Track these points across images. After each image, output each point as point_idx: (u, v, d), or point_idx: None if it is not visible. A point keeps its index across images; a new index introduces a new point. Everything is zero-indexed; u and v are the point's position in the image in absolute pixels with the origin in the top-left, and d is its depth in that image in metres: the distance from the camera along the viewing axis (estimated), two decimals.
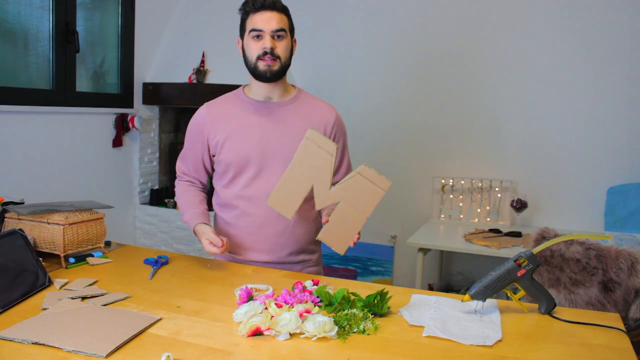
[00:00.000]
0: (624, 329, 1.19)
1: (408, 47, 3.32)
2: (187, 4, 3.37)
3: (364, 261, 3.52)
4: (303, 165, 1.41)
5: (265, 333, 1.10)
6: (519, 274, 1.25)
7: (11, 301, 1.22)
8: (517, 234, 2.81)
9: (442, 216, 3.20)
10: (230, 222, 1.66)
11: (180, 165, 1.74)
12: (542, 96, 3.06)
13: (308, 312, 1.18)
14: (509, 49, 3.10)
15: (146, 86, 3.24)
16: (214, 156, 1.66)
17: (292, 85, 1.70)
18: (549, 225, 2.23)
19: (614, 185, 2.88)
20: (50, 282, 1.37)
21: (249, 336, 1.10)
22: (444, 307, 1.29)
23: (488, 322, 1.20)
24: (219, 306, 1.27)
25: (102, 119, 3.01)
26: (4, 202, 1.69)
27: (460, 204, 3.18)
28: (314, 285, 1.37)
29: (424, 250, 2.64)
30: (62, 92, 2.73)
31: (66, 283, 1.37)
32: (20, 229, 1.42)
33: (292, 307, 1.18)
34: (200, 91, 3.09)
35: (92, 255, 1.60)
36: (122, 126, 3.10)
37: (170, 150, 3.51)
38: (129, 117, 3.11)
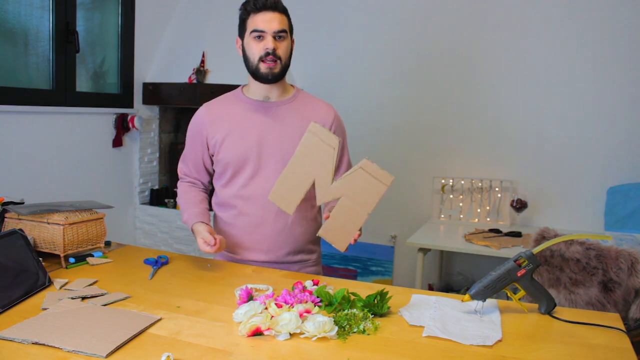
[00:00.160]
0: (624, 329, 1.19)
1: (408, 47, 3.33)
2: (187, 4, 3.37)
3: (364, 261, 3.52)
4: (305, 159, 1.39)
5: (265, 333, 1.10)
6: (519, 274, 1.25)
7: (11, 301, 1.22)
8: (517, 234, 2.81)
9: (442, 216, 3.20)
10: (229, 221, 1.66)
11: (181, 167, 1.74)
12: (542, 96, 3.06)
13: (308, 312, 1.18)
14: (509, 49, 3.10)
15: (146, 86, 3.24)
16: (213, 156, 1.66)
17: (291, 85, 1.70)
18: (549, 225, 2.23)
19: (614, 185, 2.88)
20: (50, 282, 1.37)
21: (249, 336, 1.10)
22: (444, 307, 1.29)
23: (488, 322, 1.20)
24: (219, 306, 1.27)
25: (102, 119, 3.01)
26: (4, 202, 1.69)
27: (460, 204, 3.18)
28: (314, 285, 1.37)
29: (424, 250, 2.64)
30: (62, 92, 2.73)
31: (66, 283, 1.37)
32: (20, 229, 1.42)
33: (292, 307, 1.18)
34: (200, 91, 3.09)
35: (92, 255, 1.60)
36: (122, 126, 3.10)
37: (170, 150, 3.50)
38: (129, 117, 3.11)
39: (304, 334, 1.11)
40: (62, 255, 1.52)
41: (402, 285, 1.67)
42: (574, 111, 3.00)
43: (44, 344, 1.02)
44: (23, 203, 1.74)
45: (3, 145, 2.43)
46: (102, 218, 1.66)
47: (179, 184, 1.75)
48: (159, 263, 1.56)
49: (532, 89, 3.07)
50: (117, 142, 3.09)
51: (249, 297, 1.25)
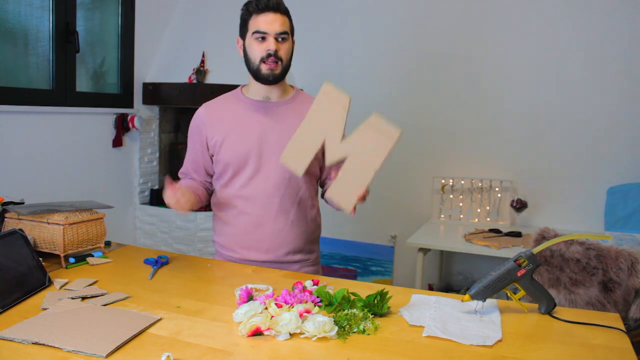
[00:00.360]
0: (624, 329, 1.19)
1: (408, 47, 3.33)
2: (187, 4, 3.37)
3: (364, 261, 3.52)
4: (316, 119, 1.39)
5: (265, 333, 1.10)
6: (519, 274, 1.25)
7: (11, 301, 1.22)
8: (517, 234, 2.81)
9: (442, 216, 3.20)
10: (229, 221, 1.66)
11: (182, 169, 1.74)
12: (542, 96, 3.06)
13: (308, 312, 1.18)
14: (509, 49, 3.10)
15: (146, 86, 3.24)
16: (212, 156, 1.66)
17: (291, 86, 1.70)
18: (549, 225, 2.23)
19: (614, 185, 2.88)
20: (50, 282, 1.37)
21: (249, 336, 1.10)
22: (444, 307, 1.29)
23: (488, 322, 1.20)
24: (219, 306, 1.27)
25: (102, 119, 3.01)
26: (4, 202, 1.69)
27: (460, 204, 3.18)
28: (314, 285, 1.37)
29: (424, 250, 2.64)
30: (62, 92, 2.73)
31: (66, 283, 1.38)
32: (20, 229, 1.42)
33: (292, 307, 1.18)
34: (200, 91, 3.09)
35: (92, 255, 1.60)
36: (122, 126, 3.09)
37: (170, 150, 3.50)
38: (129, 117, 3.11)
39: (304, 334, 1.11)
40: (62, 255, 1.52)
41: (402, 285, 1.67)
42: (573, 111, 3.00)
43: (44, 344, 1.02)
44: (23, 203, 1.74)
45: (3, 145, 2.43)
46: (102, 218, 1.66)
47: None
48: (159, 263, 1.56)
49: (532, 89, 3.07)
50: (117, 142, 3.09)
51: (249, 297, 1.25)
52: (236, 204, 1.63)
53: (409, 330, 1.16)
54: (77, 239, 1.57)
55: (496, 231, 2.87)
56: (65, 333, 1.06)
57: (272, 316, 1.14)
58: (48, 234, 1.53)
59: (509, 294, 1.31)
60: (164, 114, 3.46)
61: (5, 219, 1.60)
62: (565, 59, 2.99)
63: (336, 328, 1.12)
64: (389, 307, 1.24)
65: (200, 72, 3.14)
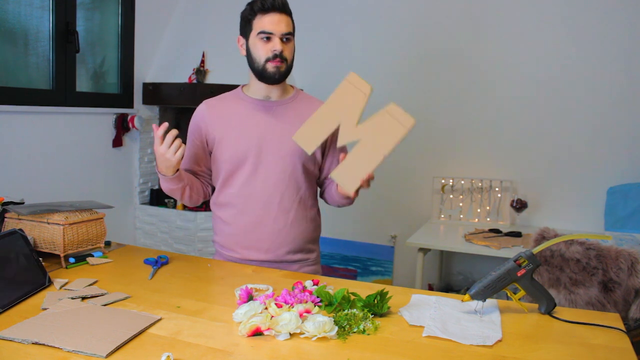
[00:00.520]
0: (624, 329, 1.19)
1: (407, 47, 3.33)
2: (187, 4, 3.37)
3: (364, 261, 3.52)
4: (336, 103, 1.41)
5: (265, 333, 1.10)
6: (519, 274, 1.25)
7: (11, 301, 1.22)
8: (517, 234, 2.81)
9: (442, 216, 3.20)
10: (228, 221, 1.66)
11: (181, 165, 1.73)
12: (542, 96, 3.06)
13: (308, 312, 1.18)
14: (508, 49, 3.10)
15: (146, 86, 3.24)
16: (211, 153, 1.66)
17: (291, 86, 1.71)
18: (549, 225, 2.23)
19: (614, 185, 2.88)
20: (50, 282, 1.37)
21: (249, 336, 1.10)
22: (444, 307, 1.29)
23: (488, 322, 1.20)
24: (219, 306, 1.27)
25: (102, 119, 3.01)
26: (4, 202, 1.69)
27: (460, 204, 3.18)
28: (314, 285, 1.37)
29: (424, 250, 2.64)
30: (62, 92, 2.73)
31: (66, 283, 1.37)
32: (20, 229, 1.42)
33: (292, 307, 1.18)
34: (200, 91, 3.09)
35: (92, 255, 1.60)
36: (122, 126, 3.09)
37: None
38: (129, 117, 3.11)
39: (304, 334, 1.11)
40: (62, 255, 1.52)
41: (402, 285, 1.67)
42: (573, 111, 3.00)
43: (44, 344, 1.02)
44: (23, 203, 1.74)
45: (3, 145, 2.43)
46: (102, 218, 1.66)
47: None
48: (159, 263, 1.56)
49: (532, 89, 3.07)
50: (117, 142, 3.09)
51: (249, 297, 1.25)
52: (236, 203, 1.63)
53: (409, 330, 1.16)
54: (77, 239, 1.57)
55: (496, 231, 2.87)
56: (65, 333, 1.06)
57: (272, 316, 1.14)
58: (48, 234, 1.53)
59: (509, 294, 1.31)
60: (164, 114, 3.46)
61: (5, 219, 1.60)
62: (565, 59, 2.99)
63: (336, 328, 1.12)
64: (389, 307, 1.24)
65: (200, 72, 3.14)
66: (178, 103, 3.20)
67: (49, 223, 1.54)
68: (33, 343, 1.03)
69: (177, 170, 1.55)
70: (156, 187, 3.44)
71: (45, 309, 1.20)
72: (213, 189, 1.75)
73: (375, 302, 1.22)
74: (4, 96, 2.43)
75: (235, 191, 1.63)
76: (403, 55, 3.34)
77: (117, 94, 3.14)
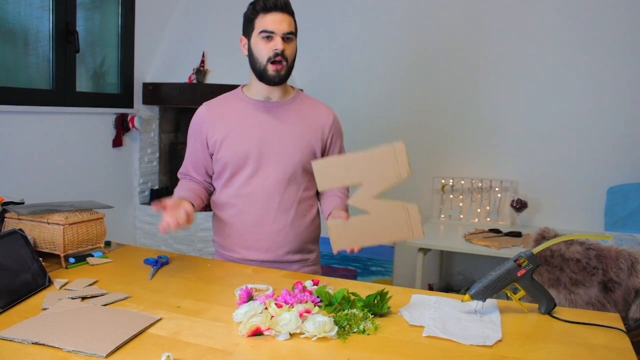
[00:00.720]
0: (624, 329, 1.19)
1: (407, 47, 3.33)
2: (187, 4, 3.37)
3: (364, 261, 3.52)
4: (371, 162, 1.35)
5: (265, 333, 1.10)
6: (519, 274, 1.25)
7: (11, 301, 1.22)
8: (517, 234, 2.81)
9: (442, 216, 3.20)
10: (228, 221, 1.66)
11: (181, 169, 1.74)
12: (542, 96, 3.06)
13: (308, 312, 1.18)
14: (508, 49, 3.10)
15: (146, 86, 3.24)
16: (212, 155, 1.66)
17: (291, 87, 1.71)
18: (549, 225, 2.23)
19: (614, 185, 2.88)
20: (50, 282, 1.37)
21: (249, 336, 1.10)
22: (444, 307, 1.29)
23: (488, 322, 1.20)
24: (219, 306, 1.27)
25: (102, 119, 3.01)
26: (4, 202, 1.69)
27: (460, 204, 3.18)
28: (314, 285, 1.37)
29: (424, 250, 2.64)
30: (62, 92, 2.73)
31: (66, 283, 1.38)
32: (20, 229, 1.42)
33: (292, 307, 1.18)
34: (200, 91, 3.09)
35: (92, 255, 1.60)
36: (122, 126, 3.09)
37: (170, 150, 3.50)
38: (129, 117, 3.11)
39: (304, 334, 1.11)
40: (62, 255, 1.52)
41: (402, 285, 1.66)
42: (573, 111, 3.00)
43: (44, 344, 1.02)
44: (23, 203, 1.74)
45: (3, 145, 2.43)
46: (102, 218, 1.66)
47: (179, 182, 1.75)
48: (159, 263, 1.56)
49: (532, 89, 3.07)
50: (117, 142, 3.09)
51: (249, 297, 1.25)
52: (236, 203, 1.63)
53: (409, 330, 1.16)
54: (77, 239, 1.57)
55: (496, 231, 2.87)
56: (65, 333, 1.06)
57: (272, 316, 1.14)
58: (48, 234, 1.53)
59: (509, 294, 1.31)
60: (164, 114, 3.46)
61: (5, 219, 1.60)
62: (565, 60, 2.99)
63: (336, 328, 1.12)
64: (389, 307, 1.24)
65: (200, 72, 3.14)
66: (178, 103, 3.20)
67: (49, 223, 1.54)
68: (33, 343, 1.03)
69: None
70: (156, 187, 3.44)
71: (45, 309, 1.20)
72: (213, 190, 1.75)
73: (375, 302, 1.22)
74: (4, 96, 2.43)
75: (236, 191, 1.63)
76: (403, 55, 3.34)
77: (117, 94, 3.14)
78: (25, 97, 2.54)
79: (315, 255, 1.75)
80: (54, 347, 1.01)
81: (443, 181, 3.21)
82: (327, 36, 3.50)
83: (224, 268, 1.59)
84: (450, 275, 3.32)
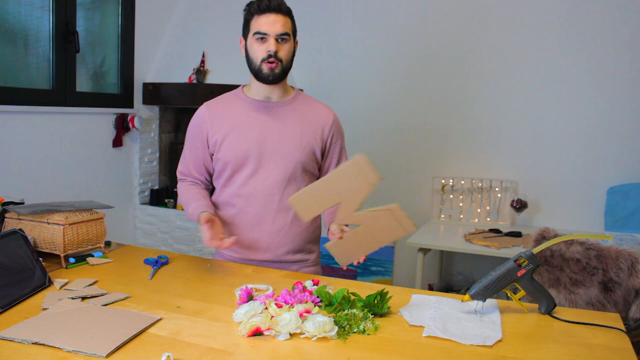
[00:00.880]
0: (624, 329, 1.19)
1: (408, 48, 3.33)
2: (187, 4, 3.37)
3: (364, 261, 3.52)
4: (340, 181, 1.39)
5: (265, 333, 1.10)
6: (519, 274, 1.25)
7: (11, 301, 1.22)
8: (517, 234, 2.81)
9: (442, 216, 3.20)
10: (228, 220, 1.66)
11: (181, 168, 1.74)
12: (542, 96, 3.06)
13: (308, 312, 1.18)
14: (508, 50, 3.10)
15: (146, 86, 3.24)
16: (213, 155, 1.66)
17: (292, 87, 1.71)
18: (549, 225, 2.23)
19: (614, 185, 2.88)
20: (50, 282, 1.37)
21: (249, 336, 1.10)
22: (444, 307, 1.29)
23: (488, 322, 1.20)
24: (219, 306, 1.27)
25: (102, 119, 3.01)
26: (4, 202, 1.69)
27: (460, 204, 3.18)
28: (314, 285, 1.37)
29: (424, 250, 2.64)
30: (62, 92, 2.73)
31: (66, 283, 1.37)
32: (20, 229, 1.42)
33: (292, 307, 1.18)
34: (200, 91, 3.09)
35: (92, 255, 1.60)
36: (122, 126, 3.10)
37: (171, 150, 3.50)
38: (129, 117, 3.11)
39: (304, 334, 1.11)
40: (62, 255, 1.52)
41: (402, 285, 1.66)
42: (574, 111, 3.00)
43: (44, 344, 1.02)
44: (23, 203, 1.74)
45: (3, 145, 2.43)
46: (102, 218, 1.66)
47: (179, 184, 1.75)
48: (159, 263, 1.56)
49: (532, 89, 3.07)
50: (117, 142, 3.09)
51: (249, 297, 1.25)
52: (235, 203, 1.63)
53: (409, 330, 1.16)
54: (77, 239, 1.57)
55: (496, 231, 2.87)
56: (65, 333, 1.06)
57: (272, 316, 1.14)
58: (48, 234, 1.53)
59: (509, 294, 1.31)
60: (164, 114, 3.46)
61: (5, 219, 1.60)
62: (566, 60, 2.99)
63: (336, 328, 1.12)
64: (389, 307, 1.24)
65: (200, 72, 3.14)
66: (178, 103, 3.20)
67: (49, 223, 1.54)
68: (33, 343, 1.03)
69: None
70: (156, 187, 3.44)
71: (45, 309, 1.20)
72: (213, 190, 1.75)
73: (375, 302, 1.22)
74: (4, 96, 2.43)
75: (236, 191, 1.63)
76: (403, 56, 3.34)
77: (117, 94, 3.14)
78: (25, 97, 2.54)
79: (316, 256, 1.75)
80: (54, 347, 1.01)
81: (443, 181, 3.21)
82: (327, 36, 3.50)
83: (224, 268, 1.59)
84: (450, 275, 3.32)
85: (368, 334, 1.13)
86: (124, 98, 3.16)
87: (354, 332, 1.13)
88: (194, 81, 3.14)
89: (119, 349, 1.02)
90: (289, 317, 1.11)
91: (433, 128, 3.30)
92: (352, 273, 3.53)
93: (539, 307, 1.27)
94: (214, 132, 1.63)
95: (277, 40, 1.54)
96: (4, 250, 1.32)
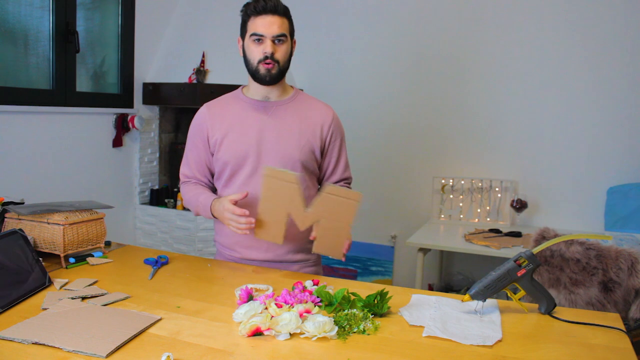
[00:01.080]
0: (624, 329, 1.19)
1: (408, 48, 3.33)
2: (187, 4, 3.37)
3: (364, 261, 3.52)
4: (273, 199, 1.47)
5: (265, 333, 1.10)
6: (519, 274, 1.25)
7: (11, 301, 1.22)
8: (517, 234, 2.81)
9: (442, 216, 3.20)
10: None
11: (184, 170, 1.73)
12: (542, 96, 3.06)
13: (308, 312, 1.18)
14: (508, 49, 3.10)
15: (146, 86, 3.24)
16: (213, 155, 1.67)
17: (291, 87, 1.71)
18: (549, 225, 2.23)
19: (614, 185, 2.88)
20: (50, 282, 1.37)
21: (249, 336, 1.10)
22: (444, 307, 1.29)
23: (488, 322, 1.20)
24: (219, 306, 1.27)
25: (102, 119, 3.01)
26: (4, 202, 1.69)
27: (460, 204, 3.18)
28: (314, 285, 1.37)
29: (424, 250, 2.64)
30: (62, 92, 2.73)
31: (66, 283, 1.37)
32: (20, 229, 1.42)
33: (292, 307, 1.18)
34: (200, 91, 3.09)
35: (92, 255, 1.60)
36: (122, 126, 3.10)
37: (171, 150, 3.50)
38: (129, 117, 3.11)
39: (304, 334, 1.11)
40: (62, 255, 1.52)
41: (402, 285, 1.67)
42: (574, 111, 3.00)
43: (44, 344, 1.02)
44: (23, 203, 1.74)
45: (3, 145, 2.43)
46: (102, 218, 1.66)
47: (182, 186, 1.73)
48: (159, 263, 1.56)
49: (532, 89, 3.07)
50: (117, 142, 3.09)
51: (249, 297, 1.25)
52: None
53: (409, 330, 1.16)
54: (77, 239, 1.57)
55: (496, 231, 2.87)
56: (65, 333, 1.06)
57: (272, 316, 1.14)
58: (48, 234, 1.53)
59: (509, 294, 1.31)
60: (164, 114, 3.46)
61: (5, 219, 1.60)
62: (565, 60, 2.99)
63: (336, 328, 1.12)
64: (389, 307, 1.24)
65: (200, 72, 3.14)
66: (178, 103, 3.20)
67: (49, 223, 1.54)
68: (33, 343, 1.03)
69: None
70: (156, 187, 3.44)
71: (45, 309, 1.20)
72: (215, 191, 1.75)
73: (375, 302, 1.22)
74: (4, 96, 2.43)
75: (236, 190, 1.63)
76: (404, 56, 3.34)
77: (117, 94, 3.14)
78: (25, 97, 2.54)
79: (317, 256, 1.75)
80: (54, 347, 1.01)
81: (443, 181, 3.21)
82: (327, 36, 3.50)
83: (224, 268, 1.59)
84: (450, 275, 3.32)
85: (368, 334, 1.13)
86: (124, 98, 3.16)
87: (354, 332, 1.13)
88: (194, 81, 3.14)
89: (119, 349, 1.02)
90: (289, 317, 1.11)
91: (433, 128, 3.30)
92: (352, 273, 3.53)
93: (539, 307, 1.27)
94: (214, 132, 1.63)
95: (273, 41, 1.54)
96: (4, 250, 1.32)
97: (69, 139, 2.78)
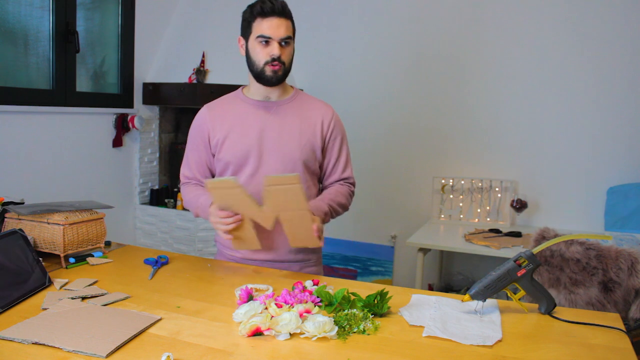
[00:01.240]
0: (624, 329, 1.19)
1: (408, 47, 3.33)
2: (187, 4, 3.37)
3: (364, 261, 3.52)
4: (227, 203, 1.46)
5: (265, 333, 1.10)
6: (519, 274, 1.25)
7: (11, 301, 1.22)
8: (517, 234, 2.81)
9: (442, 216, 3.20)
10: None
11: (184, 171, 1.73)
12: (543, 96, 3.06)
13: (308, 312, 1.18)
14: (508, 49, 3.10)
15: (146, 86, 3.24)
16: (214, 155, 1.67)
17: (291, 86, 1.71)
18: (549, 225, 2.23)
19: (614, 185, 2.88)
20: (50, 282, 1.37)
21: (249, 336, 1.10)
22: (444, 307, 1.29)
23: (488, 322, 1.20)
24: (219, 306, 1.27)
25: (102, 119, 3.01)
26: (4, 202, 1.69)
27: (460, 204, 3.18)
28: (314, 285, 1.37)
29: (424, 250, 2.64)
30: (62, 92, 2.73)
31: (66, 283, 1.38)
32: (20, 229, 1.42)
33: (292, 307, 1.18)
34: (200, 91, 3.09)
35: (92, 255, 1.60)
36: (122, 126, 3.10)
37: (171, 150, 3.50)
38: (129, 117, 3.11)
39: (304, 334, 1.11)
40: (62, 255, 1.52)
41: (402, 285, 1.67)
42: (574, 111, 3.00)
43: (44, 344, 1.02)
44: (23, 203, 1.74)
45: (3, 145, 2.43)
46: (102, 218, 1.66)
47: (183, 187, 1.73)
48: (159, 263, 1.56)
49: (533, 89, 3.07)
50: (117, 142, 3.09)
51: (249, 297, 1.25)
52: None
53: (409, 330, 1.16)
54: (77, 239, 1.57)
55: (496, 231, 2.87)
56: (65, 333, 1.06)
57: (272, 316, 1.14)
58: (48, 234, 1.53)
59: (509, 294, 1.31)
60: (164, 114, 3.46)
61: (5, 219, 1.60)
62: (566, 60, 2.99)
63: (336, 328, 1.12)
64: (389, 307, 1.24)
65: (200, 72, 3.14)
66: (178, 103, 3.20)
67: (49, 223, 1.54)
68: (33, 343, 1.03)
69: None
70: (156, 187, 3.44)
71: (45, 309, 1.20)
72: None
73: (375, 302, 1.22)
74: (4, 96, 2.43)
75: None
76: (403, 56, 3.34)
77: (117, 94, 3.14)
78: (25, 97, 2.54)
79: (317, 256, 1.75)
80: (54, 347, 1.01)
81: (443, 181, 3.21)
82: (327, 36, 3.50)
83: (224, 268, 1.59)
84: (450, 275, 3.32)
85: (368, 334, 1.13)
86: (124, 98, 3.16)
87: (354, 332, 1.13)
88: (194, 81, 3.14)
89: (119, 349, 1.02)
90: (289, 317, 1.11)
91: (433, 128, 3.30)
92: (352, 273, 3.53)
93: (539, 307, 1.27)
94: (215, 132, 1.63)
95: (280, 43, 1.54)
96: (4, 250, 1.32)
97: (69, 139, 2.78)
